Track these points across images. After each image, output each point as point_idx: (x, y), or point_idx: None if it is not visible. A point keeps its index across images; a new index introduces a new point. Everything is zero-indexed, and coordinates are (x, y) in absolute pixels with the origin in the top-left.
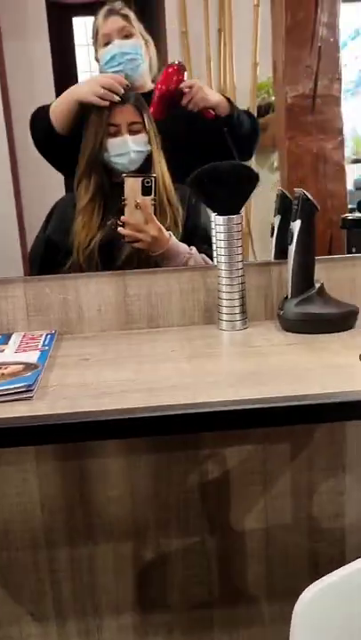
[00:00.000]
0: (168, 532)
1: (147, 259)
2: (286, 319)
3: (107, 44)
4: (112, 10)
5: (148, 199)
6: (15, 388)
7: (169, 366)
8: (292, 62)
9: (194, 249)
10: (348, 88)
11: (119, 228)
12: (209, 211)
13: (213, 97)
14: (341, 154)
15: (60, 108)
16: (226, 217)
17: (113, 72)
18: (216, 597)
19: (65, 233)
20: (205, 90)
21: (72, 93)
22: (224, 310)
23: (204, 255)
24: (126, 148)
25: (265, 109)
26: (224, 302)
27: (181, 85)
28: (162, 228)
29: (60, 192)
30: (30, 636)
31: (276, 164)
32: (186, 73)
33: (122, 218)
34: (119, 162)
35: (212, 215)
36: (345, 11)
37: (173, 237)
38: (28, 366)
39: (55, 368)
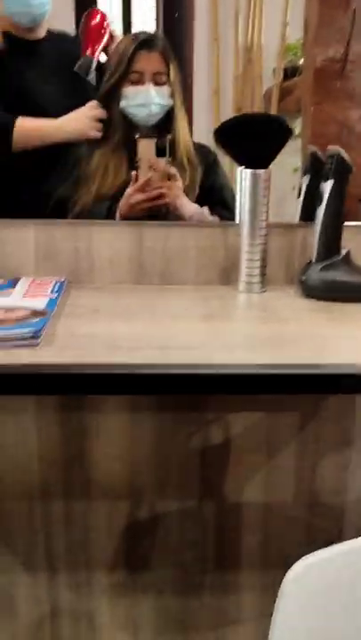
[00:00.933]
0: (165, 493)
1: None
2: (308, 285)
3: None
4: None
5: (163, 160)
6: (21, 333)
7: (182, 324)
8: (325, 24)
9: (206, 209)
10: None
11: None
12: (233, 169)
13: None
14: None
15: (27, 141)
16: (253, 171)
17: (19, 12)
18: (209, 562)
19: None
20: None
21: (62, 132)
22: (243, 271)
23: (216, 217)
24: (148, 99)
25: (291, 72)
26: (244, 263)
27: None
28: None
29: None
30: (20, 585)
31: (298, 130)
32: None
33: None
34: (138, 113)
35: (238, 169)
36: None
37: (184, 198)
38: (36, 313)
39: (63, 317)
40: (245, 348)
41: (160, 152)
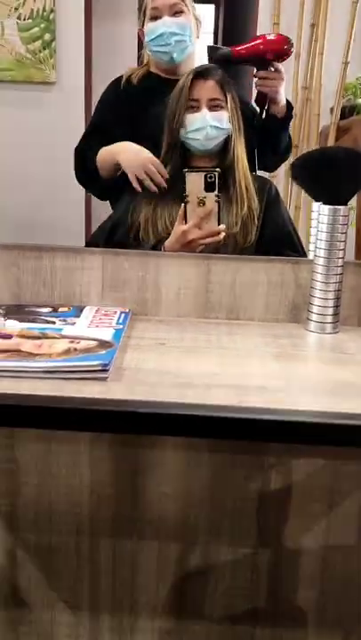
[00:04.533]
0: (219, 538)
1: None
2: None
3: (155, 18)
4: None
5: (212, 195)
6: (89, 365)
7: (255, 363)
8: None
9: None
10: None
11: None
12: (307, 201)
13: (283, 95)
14: None
15: (105, 164)
16: (332, 207)
17: (158, 51)
18: (261, 614)
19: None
20: (283, 84)
21: (118, 158)
22: (315, 310)
23: None
24: (204, 123)
25: (349, 111)
26: (316, 301)
27: (280, 60)
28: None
29: None
30: (61, 625)
31: None
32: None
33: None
34: (195, 138)
35: (315, 205)
36: None
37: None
38: (102, 343)
39: (129, 349)
40: (328, 392)
41: (209, 186)
